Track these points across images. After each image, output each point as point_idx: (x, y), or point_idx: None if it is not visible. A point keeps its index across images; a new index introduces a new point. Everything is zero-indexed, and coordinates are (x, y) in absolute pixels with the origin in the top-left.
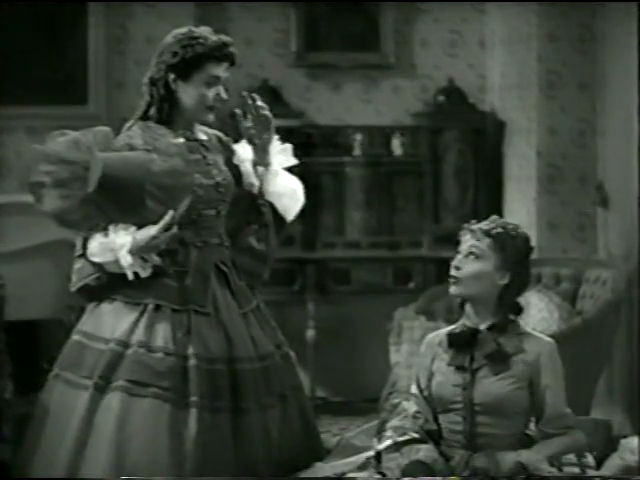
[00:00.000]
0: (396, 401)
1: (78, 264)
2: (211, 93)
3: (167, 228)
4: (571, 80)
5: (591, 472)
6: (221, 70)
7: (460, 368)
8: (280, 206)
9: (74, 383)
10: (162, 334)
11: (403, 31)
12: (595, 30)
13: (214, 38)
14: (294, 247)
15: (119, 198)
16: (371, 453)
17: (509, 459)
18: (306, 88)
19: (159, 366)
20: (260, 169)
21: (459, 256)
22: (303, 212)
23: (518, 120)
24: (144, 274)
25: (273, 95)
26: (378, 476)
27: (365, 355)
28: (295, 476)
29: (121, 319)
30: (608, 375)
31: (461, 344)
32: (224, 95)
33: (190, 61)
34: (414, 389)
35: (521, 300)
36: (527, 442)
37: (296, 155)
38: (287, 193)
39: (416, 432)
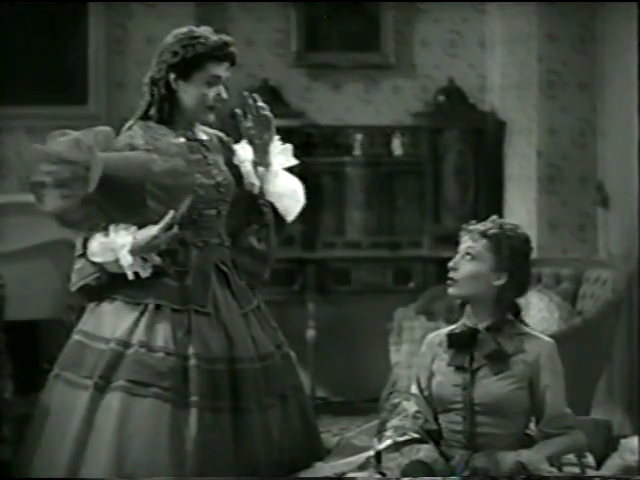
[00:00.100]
0: (396, 401)
1: (78, 264)
2: (212, 93)
3: (168, 228)
4: (571, 80)
5: (591, 472)
6: (222, 70)
7: (460, 368)
8: (280, 206)
9: (74, 383)
10: (162, 334)
11: (403, 31)
12: (595, 30)
13: (215, 38)
14: (294, 247)
15: (120, 198)
16: (371, 453)
17: (509, 459)
18: (306, 88)
19: (159, 366)
20: (260, 169)
21: (456, 257)
22: (303, 212)
23: (518, 120)
24: (144, 274)
25: (273, 95)
26: (378, 476)
27: (365, 355)
28: (295, 476)
29: (121, 319)
30: (608, 375)
31: (461, 344)
32: (224, 95)
33: (191, 61)
34: (414, 389)
35: (521, 300)
36: (527, 442)
37: (296, 155)
38: (287, 193)
39: (416, 432)
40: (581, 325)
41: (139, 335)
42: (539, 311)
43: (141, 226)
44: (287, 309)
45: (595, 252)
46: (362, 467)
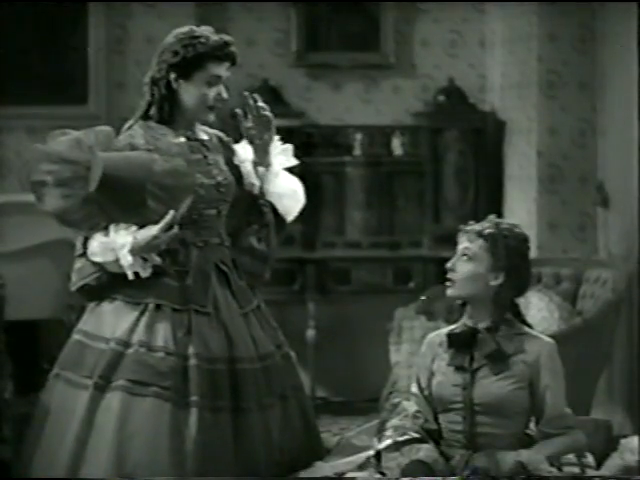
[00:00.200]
0: (396, 401)
1: (78, 263)
2: (212, 93)
3: (168, 228)
4: (571, 80)
5: (591, 472)
6: (222, 70)
7: (460, 368)
8: (280, 207)
9: (75, 383)
10: (163, 334)
11: (403, 31)
12: (595, 30)
13: (215, 37)
14: (294, 247)
15: (120, 198)
16: (371, 453)
17: (509, 459)
18: (306, 88)
19: (160, 366)
20: (261, 169)
21: (454, 258)
22: (303, 212)
23: (518, 120)
24: (144, 274)
25: (273, 95)
26: (378, 476)
27: (365, 355)
28: (295, 476)
29: (122, 319)
30: (608, 375)
31: (461, 344)
32: (225, 95)
33: (191, 60)
34: (414, 389)
35: (521, 300)
36: (527, 442)
37: (296, 155)
38: (288, 194)
39: (416, 432)
40: (581, 325)
41: (139, 335)
42: (539, 311)
43: (141, 226)
44: (287, 309)
45: (595, 252)
46: (362, 467)
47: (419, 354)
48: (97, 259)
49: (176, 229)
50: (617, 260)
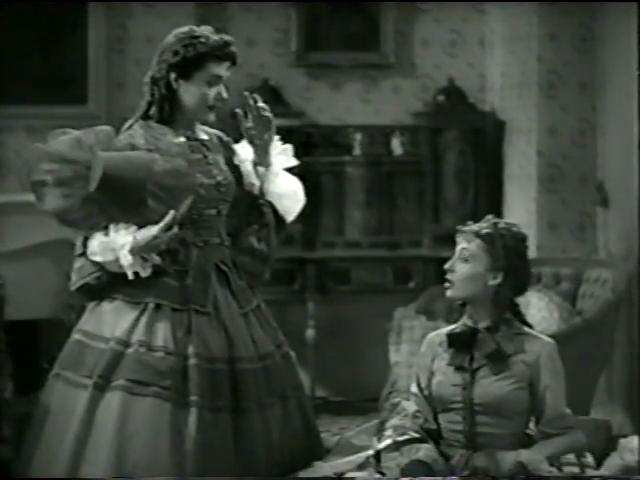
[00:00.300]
0: (396, 400)
1: (78, 263)
2: (212, 92)
3: (168, 228)
4: (571, 80)
5: (591, 472)
6: (222, 69)
7: (460, 368)
8: (280, 207)
9: (74, 382)
10: (162, 333)
11: (403, 31)
12: (595, 30)
13: (215, 37)
14: (294, 247)
15: (121, 197)
16: (371, 452)
17: (509, 459)
18: (306, 88)
19: (159, 365)
20: (261, 169)
21: (452, 259)
22: (303, 212)
23: (518, 120)
24: (144, 274)
25: (273, 95)
26: (378, 475)
27: (365, 355)
28: (295, 476)
29: (121, 318)
30: (608, 375)
31: (461, 344)
32: (225, 94)
33: (191, 60)
34: (414, 388)
35: (521, 300)
36: (527, 442)
37: (296, 155)
38: (287, 194)
39: (416, 432)
40: (581, 325)
41: (139, 334)
42: (539, 311)
43: (141, 226)
44: (287, 309)
45: (595, 252)
46: (362, 466)
47: (419, 354)
48: (97, 259)
49: (176, 229)
50: (617, 260)
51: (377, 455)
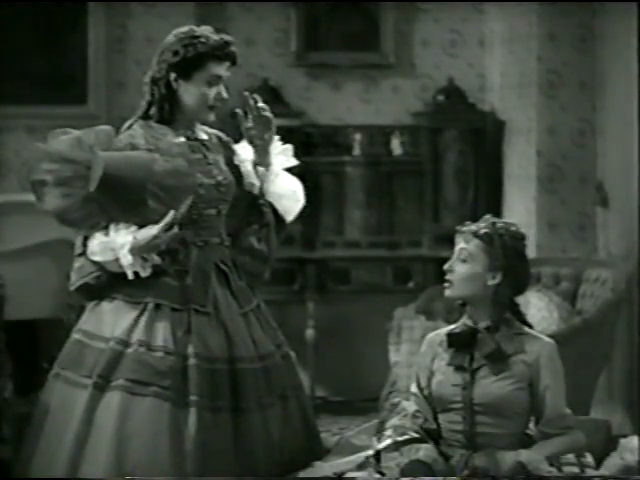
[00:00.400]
0: (396, 400)
1: (78, 263)
2: (212, 92)
3: (168, 228)
4: (571, 79)
5: (590, 472)
6: (222, 69)
7: (460, 368)
8: (280, 207)
9: (74, 382)
10: (162, 333)
11: (403, 31)
12: (595, 29)
13: (216, 37)
14: (294, 247)
15: (121, 197)
16: (371, 452)
17: (509, 459)
18: (306, 88)
19: (159, 365)
20: (261, 169)
21: (451, 259)
22: (303, 212)
23: (518, 120)
24: (144, 273)
25: (273, 95)
26: (377, 475)
27: (365, 355)
28: (295, 476)
29: (121, 318)
30: (608, 375)
31: (461, 344)
32: (225, 94)
33: (191, 60)
34: (414, 388)
35: (520, 300)
36: (527, 442)
37: (296, 155)
38: (287, 194)
39: (416, 431)
40: (581, 325)
41: (139, 334)
42: (539, 311)
43: (141, 226)
44: (287, 309)
45: (595, 252)
46: (361, 466)
47: (419, 353)
48: (97, 258)
49: (176, 229)
50: (617, 260)
51: (377, 455)
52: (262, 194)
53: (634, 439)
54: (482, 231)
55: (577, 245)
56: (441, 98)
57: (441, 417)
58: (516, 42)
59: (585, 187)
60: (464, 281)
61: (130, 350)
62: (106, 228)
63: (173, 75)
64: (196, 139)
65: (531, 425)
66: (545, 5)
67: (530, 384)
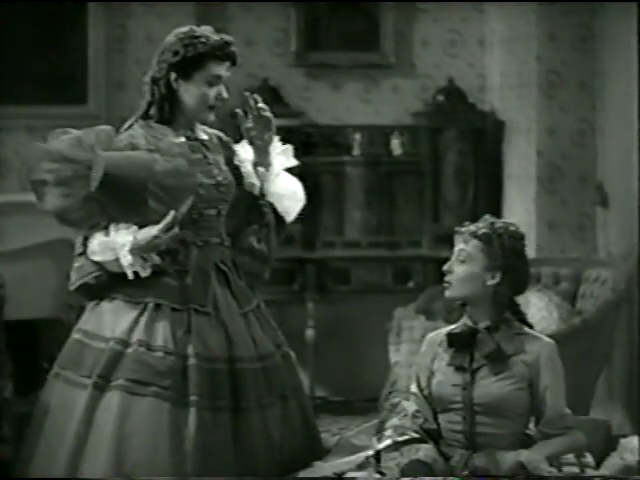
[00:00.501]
0: (396, 400)
1: (78, 262)
2: (212, 92)
3: (168, 228)
4: (571, 80)
5: (590, 472)
6: (222, 69)
7: (460, 368)
8: (280, 207)
9: (74, 382)
10: (162, 333)
11: (403, 31)
12: (595, 29)
13: (216, 37)
14: (294, 247)
15: (121, 197)
16: (370, 452)
17: (509, 459)
18: (306, 88)
19: (159, 365)
20: (261, 169)
21: (450, 260)
22: (303, 212)
23: (518, 120)
24: (144, 274)
25: (273, 95)
26: (377, 475)
27: (365, 355)
28: (295, 476)
29: (121, 318)
30: (608, 375)
31: (460, 344)
32: (225, 94)
33: (192, 60)
34: (414, 388)
35: (520, 300)
36: (527, 442)
37: (296, 155)
38: (287, 194)
39: (416, 431)
40: (581, 325)
41: (139, 334)
42: (538, 311)
43: (142, 226)
44: (287, 309)
45: (594, 252)
46: (361, 466)
47: (419, 353)
48: (97, 258)
49: (176, 229)
50: (617, 260)
51: (377, 455)
52: (262, 194)
53: (634, 439)
54: (481, 231)
55: (577, 245)
56: (441, 98)
57: (441, 417)
58: (516, 42)
59: (585, 187)
60: (463, 282)
61: (130, 350)
62: (106, 228)
63: (173, 75)
64: (196, 139)
65: (531, 425)
66: (545, 5)
67: (530, 384)
